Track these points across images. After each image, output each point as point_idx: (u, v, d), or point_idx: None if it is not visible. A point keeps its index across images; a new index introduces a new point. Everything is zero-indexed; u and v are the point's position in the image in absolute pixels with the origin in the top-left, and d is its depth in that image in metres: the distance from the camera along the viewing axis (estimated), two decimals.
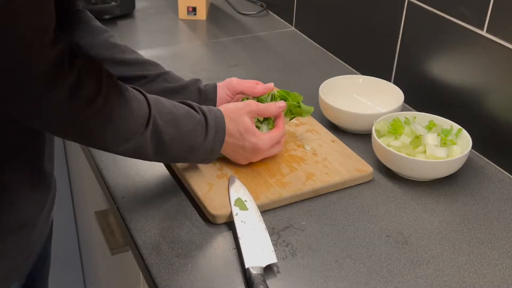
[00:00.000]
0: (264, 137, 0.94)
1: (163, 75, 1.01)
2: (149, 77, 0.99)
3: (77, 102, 0.68)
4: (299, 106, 1.03)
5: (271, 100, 1.02)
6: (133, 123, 0.77)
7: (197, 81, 1.03)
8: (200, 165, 0.99)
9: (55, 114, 0.68)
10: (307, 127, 1.11)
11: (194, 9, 1.65)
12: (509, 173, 1.04)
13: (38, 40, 0.62)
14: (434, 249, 0.87)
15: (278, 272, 0.82)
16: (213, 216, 0.89)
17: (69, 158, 1.60)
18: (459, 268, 0.84)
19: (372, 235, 0.89)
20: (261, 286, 0.76)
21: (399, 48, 1.24)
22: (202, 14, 1.66)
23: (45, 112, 0.68)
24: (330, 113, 1.13)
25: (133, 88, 0.80)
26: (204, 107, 0.89)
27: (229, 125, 0.90)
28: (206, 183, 0.95)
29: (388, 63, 1.27)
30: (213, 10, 1.75)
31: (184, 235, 0.87)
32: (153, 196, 0.95)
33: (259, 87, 1.01)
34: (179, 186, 0.97)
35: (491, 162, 1.07)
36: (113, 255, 1.02)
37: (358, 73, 1.38)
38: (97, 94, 0.70)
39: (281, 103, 0.98)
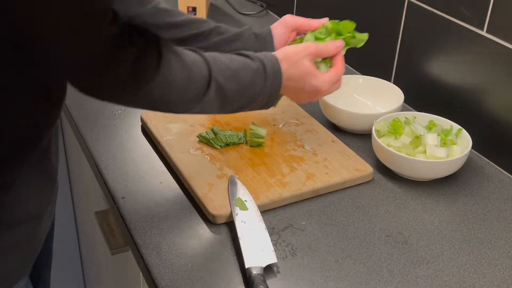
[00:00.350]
0: (324, 78, 0.94)
1: (216, 28, 1.02)
2: (203, 33, 1.00)
3: (139, 77, 0.72)
4: (354, 37, 1.00)
5: (326, 35, 1.00)
6: (196, 87, 0.80)
7: (250, 27, 1.04)
8: (200, 165, 0.99)
9: (119, 89, 0.72)
10: (307, 127, 1.11)
11: (194, 9, 1.65)
12: (509, 173, 1.04)
13: (99, 21, 0.65)
14: (434, 249, 0.87)
15: (278, 272, 0.82)
16: (213, 216, 0.89)
17: (69, 158, 1.60)
18: (459, 268, 0.84)
19: (372, 235, 0.89)
20: (261, 286, 0.76)
21: (399, 48, 1.24)
22: (202, 14, 1.66)
23: (110, 88, 0.72)
24: (330, 113, 1.13)
25: (190, 50, 0.82)
26: (260, 55, 0.90)
27: (290, 69, 0.90)
28: (206, 183, 0.95)
29: (388, 63, 1.27)
30: (213, 10, 1.75)
31: (184, 235, 0.87)
32: (153, 196, 0.95)
33: (314, 21, 1.02)
34: (179, 186, 0.98)
35: (491, 162, 1.07)
36: (113, 255, 1.02)
37: (358, 73, 1.38)
38: (158, 67, 0.73)
39: (339, 43, 0.97)
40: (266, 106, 0.91)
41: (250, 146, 1.04)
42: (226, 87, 0.83)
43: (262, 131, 1.05)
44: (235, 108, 0.88)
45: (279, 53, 0.91)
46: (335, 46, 0.96)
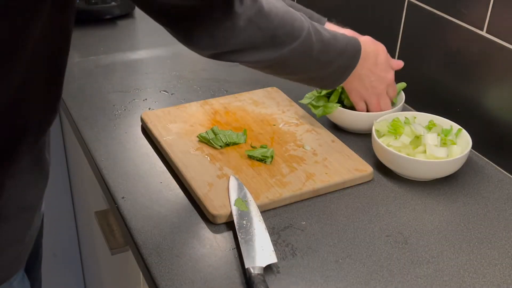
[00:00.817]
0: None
1: None
2: None
3: (249, 9, 0.83)
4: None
5: None
6: (298, 22, 0.90)
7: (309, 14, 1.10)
8: (200, 165, 0.99)
9: (223, 21, 0.83)
10: (307, 127, 1.11)
11: None
12: (509, 173, 1.04)
13: None
14: (434, 249, 0.87)
15: (278, 272, 0.82)
16: (213, 216, 0.89)
17: (69, 158, 1.60)
18: (459, 268, 0.84)
19: (372, 235, 0.89)
20: (261, 286, 0.76)
21: (399, 48, 1.24)
22: None
23: (212, 22, 0.82)
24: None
25: None
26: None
27: (382, 55, 1.04)
28: (206, 183, 0.95)
29: None
30: None
31: (184, 235, 0.87)
32: (153, 196, 0.95)
33: None
34: (179, 186, 0.98)
35: (491, 162, 1.07)
36: (113, 255, 1.02)
37: None
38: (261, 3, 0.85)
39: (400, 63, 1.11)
40: (339, 79, 1.01)
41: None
42: (322, 32, 0.93)
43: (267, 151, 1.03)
44: (326, 59, 0.96)
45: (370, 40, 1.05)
46: (397, 63, 1.10)
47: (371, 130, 1.04)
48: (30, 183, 0.79)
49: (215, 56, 0.89)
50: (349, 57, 0.99)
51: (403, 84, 1.13)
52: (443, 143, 1.01)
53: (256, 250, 0.82)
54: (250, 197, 0.91)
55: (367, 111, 1.09)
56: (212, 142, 1.04)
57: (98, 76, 1.31)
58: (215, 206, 0.90)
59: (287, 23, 0.89)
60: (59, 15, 0.68)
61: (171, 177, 1.00)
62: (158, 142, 1.06)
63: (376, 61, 1.04)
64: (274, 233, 0.88)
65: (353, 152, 1.04)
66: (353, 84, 1.04)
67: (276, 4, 0.89)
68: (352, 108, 1.10)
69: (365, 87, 1.05)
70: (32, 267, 0.94)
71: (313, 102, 1.12)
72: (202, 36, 0.84)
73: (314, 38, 0.93)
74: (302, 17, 0.93)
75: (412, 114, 1.07)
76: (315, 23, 0.95)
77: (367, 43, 1.03)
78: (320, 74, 0.99)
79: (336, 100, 1.10)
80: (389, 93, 1.09)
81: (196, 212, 0.92)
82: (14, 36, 0.63)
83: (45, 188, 0.85)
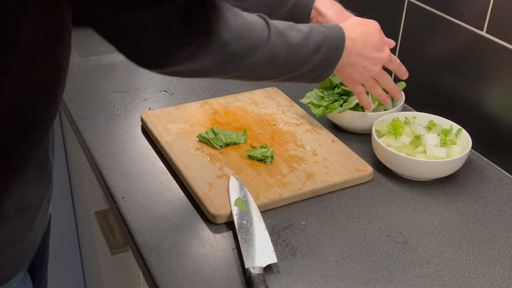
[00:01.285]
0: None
1: None
2: None
3: (201, 25, 0.75)
4: None
5: None
6: (257, 32, 0.84)
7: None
8: (200, 165, 0.99)
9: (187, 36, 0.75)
10: (307, 127, 1.11)
11: None
12: (509, 173, 1.04)
13: None
14: (434, 249, 0.87)
15: (278, 272, 0.82)
16: (213, 216, 0.89)
17: (69, 158, 1.60)
18: (459, 268, 0.84)
19: (372, 235, 0.89)
20: (261, 286, 0.76)
21: (399, 48, 1.24)
22: None
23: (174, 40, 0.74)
24: (330, 113, 1.13)
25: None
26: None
27: (373, 35, 0.99)
28: (206, 183, 0.95)
29: None
30: None
31: (184, 235, 0.87)
32: (153, 196, 0.95)
33: None
34: (179, 186, 0.98)
35: (491, 162, 1.07)
36: (113, 255, 1.02)
37: None
38: (210, 14, 0.76)
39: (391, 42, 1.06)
40: (323, 73, 0.95)
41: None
42: (289, 34, 0.88)
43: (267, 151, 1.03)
44: (299, 61, 0.91)
45: (354, 21, 1.00)
46: (389, 42, 1.05)
47: (371, 130, 1.04)
48: (32, 183, 0.79)
49: (173, 74, 0.83)
50: (331, 50, 0.94)
51: (402, 84, 1.12)
52: (443, 143, 1.01)
53: (256, 250, 0.82)
54: (250, 197, 0.91)
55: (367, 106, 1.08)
56: (212, 142, 1.04)
57: (98, 76, 1.31)
58: (215, 206, 0.90)
59: (244, 36, 0.83)
60: (53, 16, 0.68)
61: (171, 177, 1.00)
62: (158, 142, 1.06)
63: (366, 44, 0.98)
64: (274, 233, 0.88)
65: (353, 152, 1.04)
66: (344, 72, 1.01)
67: (230, 21, 0.82)
68: (352, 108, 1.10)
69: (359, 72, 1.01)
70: (39, 267, 0.94)
71: (314, 101, 1.12)
72: (149, 53, 0.77)
73: (278, 45, 0.87)
74: (265, 25, 0.86)
75: (412, 114, 1.07)
76: (282, 26, 0.89)
77: (354, 27, 0.98)
78: (297, 73, 0.95)
79: (340, 104, 1.10)
80: (393, 68, 1.05)
81: (196, 212, 0.92)
82: (5, 37, 0.63)
83: (49, 188, 0.85)
